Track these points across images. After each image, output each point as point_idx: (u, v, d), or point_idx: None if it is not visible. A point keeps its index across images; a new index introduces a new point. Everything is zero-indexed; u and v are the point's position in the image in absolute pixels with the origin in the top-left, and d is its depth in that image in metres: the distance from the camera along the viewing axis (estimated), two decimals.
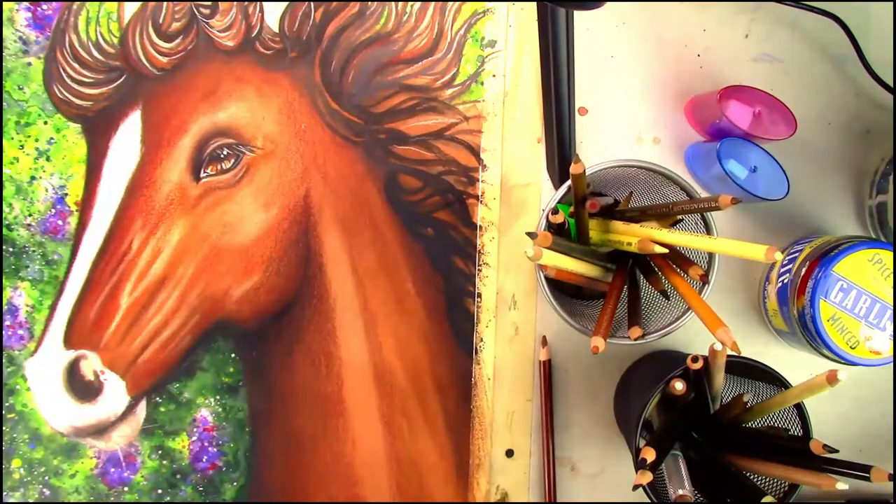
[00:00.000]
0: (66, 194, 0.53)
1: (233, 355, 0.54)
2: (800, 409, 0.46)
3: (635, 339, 0.46)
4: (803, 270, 0.50)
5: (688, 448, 0.48)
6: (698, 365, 0.43)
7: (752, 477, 0.47)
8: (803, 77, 0.58)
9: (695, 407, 0.46)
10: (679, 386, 0.43)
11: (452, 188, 0.56)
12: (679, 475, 0.45)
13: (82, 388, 0.52)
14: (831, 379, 0.39)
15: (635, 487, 0.41)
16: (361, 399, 0.54)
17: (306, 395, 0.54)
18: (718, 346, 0.41)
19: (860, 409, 0.57)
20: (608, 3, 0.37)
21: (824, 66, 0.58)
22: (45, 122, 0.54)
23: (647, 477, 0.40)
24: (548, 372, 0.55)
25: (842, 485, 0.39)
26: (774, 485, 0.47)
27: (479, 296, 0.56)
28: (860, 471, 0.39)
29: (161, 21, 0.55)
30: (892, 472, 0.38)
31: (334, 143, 0.55)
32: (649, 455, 0.41)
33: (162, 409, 0.53)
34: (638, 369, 0.54)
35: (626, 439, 0.52)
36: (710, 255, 0.48)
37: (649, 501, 0.45)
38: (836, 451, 0.42)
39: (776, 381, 0.47)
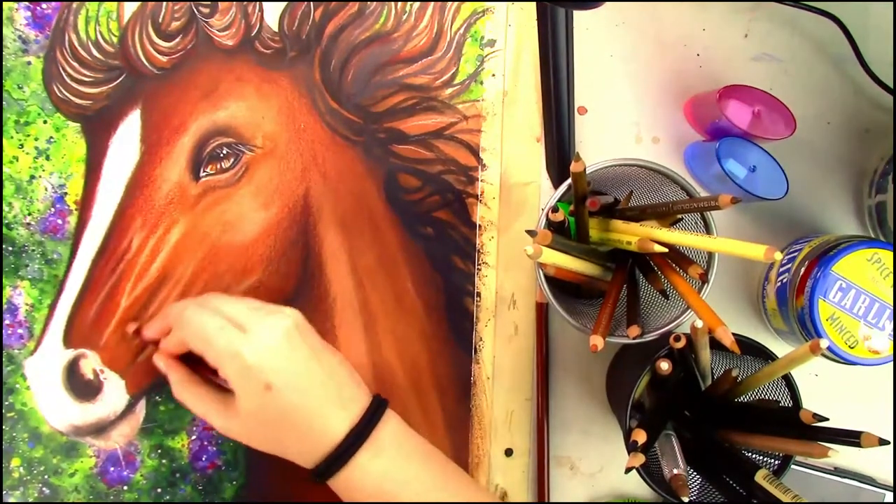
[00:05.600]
0: (66, 193, 0.53)
1: None
2: (788, 382, 0.46)
3: (634, 338, 0.46)
4: (802, 270, 0.50)
5: (681, 427, 0.48)
6: (681, 344, 0.43)
7: (746, 452, 0.48)
8: (802, 77, 0.58)
9: (685, 385, 0.47)
10: (665, 366, 0.44)
11: (452, 187, 0.56)
12: (673, 455, 0.45)
13: (82, 386, 0.52)
14: (814, 348, 0.39)
15: (627, 470, 0.41)
16: None
17: None
18: (699, 324, 0.42)
19: (860, 409, 0.57)
20: (608, 3, 0.37)
21: (824, 66, 0.58)
22: (45, 122, 0.54)
23: (639, 459, 0.41)
24: (543, 314, 0.56)
25: (834, 452, 0.39)
26: (768, 460, 0.48)
27: (479, 295, 0.56)
28: (851, 437, 0.39)
29: (160, 20, 0.55)
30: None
31: (334, 143, 0.55)
32: (640, 437, 0.41)
33: (161, 408, 0.53)
34: (626, 352, 0.54)
35: (619, 422, 0.52)
36: (710, 255, 0.48)
37: (648, 486, 0.45)
38: (826, 419, 0.42)
39: (762, 354, 0.47)
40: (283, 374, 0.44)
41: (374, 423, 0.46)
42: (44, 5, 0.54)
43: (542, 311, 0.56)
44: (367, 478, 0.45)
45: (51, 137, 0.54)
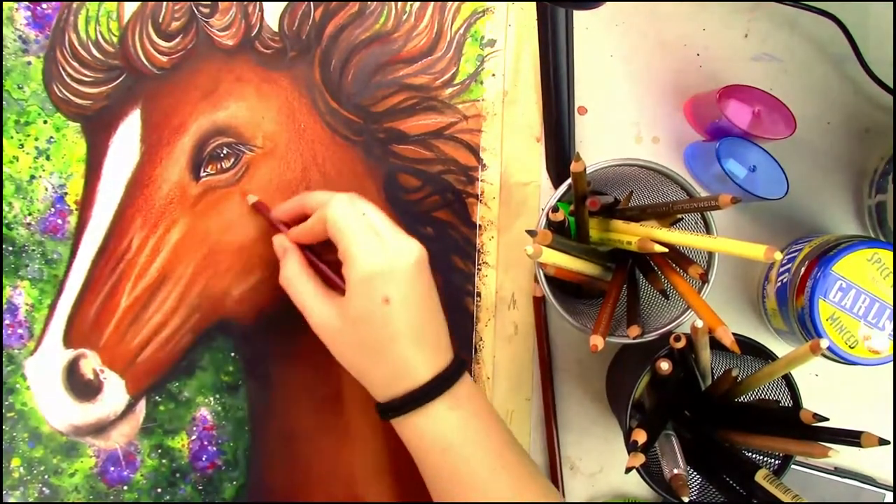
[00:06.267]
0: (66, 193, 0.53)
1: (232, 354, 0.54)
2: (789, 382, 0.46)
3: (634, 338, 0.46)
4: (802, 270, 0.50)
5: (681, 427, 0.48)
6: (681, 344, 0.43)
7: (746, 452, 0.48)
8: (803, 76, 0.58)
9: (685, 385, 0.47)
10: (665, 366, 0.44)
11: (452, 187, 0.56)
12: (673, 454, 0.45)
13: (82, 386, 0.52)
14: (815, 348, 0.39)
15: (628, 470, 0.41)
16: (361, 398, 0.54)
17: (306, 394, 0.54)
18: (699, 324, 0.42)
19: (860, 409, 0.57)
20: (608, 3, 0.37)
21: (824, 66, 0.58)
22: (45, 121, 0.54)
23: (640, 459, 0.41)
24: (541, 309, 0.56)
25: (834, 452, 0.39)
26: (768, 460, 0.48)
27: (479, 295, 0.56)
28: (851, 437, 0.39)
29: (161, 20, 0.55)
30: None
31: (334, 143, 0.55)
32: (640, 437, 0.41)
33: (161, 408, 0.53)
34: (626, 352, 0.54)
35: (619, 422, 0.52)
36: (710, 255, 0.48)
37: (648, 486, 0.45)
38: (827, 419, 0.42)
39: (763, 354, 0.47)
40: (403, 293, 0.45)
41: (456, 377, 0.46)
42: (44, 5, 0.54)
43: (539, 306, 0.56)
44: (438, 427, 0.45)
45: (51, 137, 0.54)
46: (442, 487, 0.46)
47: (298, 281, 0.48)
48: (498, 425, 0.47)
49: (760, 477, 0.43)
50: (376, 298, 0.44)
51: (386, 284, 0.44)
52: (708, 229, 0.47)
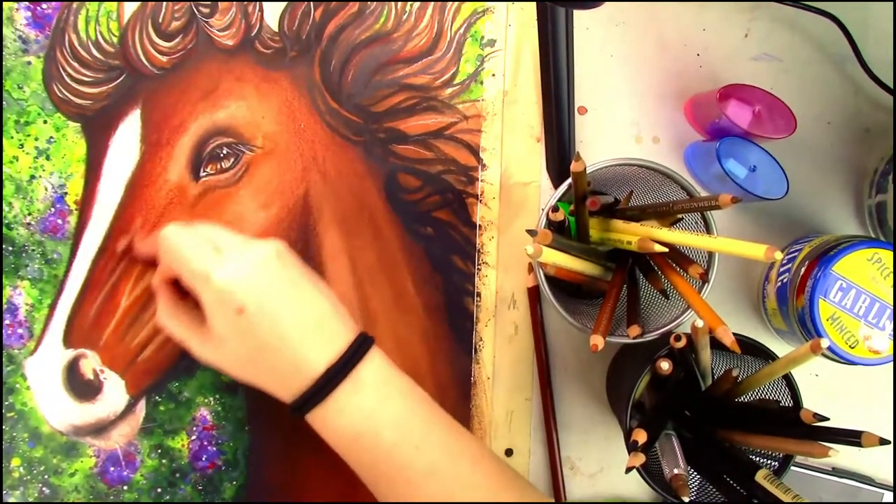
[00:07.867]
0: (66, 193, 0.53)
1: None
2: (789, 382, 0.46)
3: (634, 338, 0.46)
4: (802, 270, 0.50)
5: (681, 426, 0.48)
6: (681, 344, 0.43)
7: (746, 451, 0.48)
8: (803, 76, 0.58)
9: (685, 385, 0.47)
10: (665, 366, 0.44)
11: (452, 187, 0.56)
12: (673, 454, 0.45)
13: (82, 386, 0.52)
14: (815, 348, 0.39)
15: (628, 470, 0.41)
16: None
17: None
18: (700, 323, 0.42)
19: (860, 409, 0.57)
20: (608, 3, 0.37)
21: (824, 66, 0.58)
22: (45, 121, 0.54)
23: (640, 459, 0.41)
24: (536, 300, 0.56)
25: (834, 452, 0.39)
26: (769, 460, 0.48)
27: (479, 295, 0.56)
28: (851, 437, 0.39)
29: (161, 20, 0.55)
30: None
31: (334, 143, 0.55)
32: (640, 437, 0.41)
33: (161, 408, 0.53)
34: (626, 352, 0.54)
35: (619, 422, 0.52)
36: (710, 254, 0.48)
37: (648, 486, 0.45)
38: (827, 419, 0.42)
39: (763, 354, 0.47)
40: (255, 298, 0.43)
41: (355, 360, 0.44)
42: (44, 5, 0.54)
43: (534, 298, 0.56)
44: (343, 417, 0.43)
45: (51, 137, 0.54)
46: (369, 476, 0.44)
47: (169, 323, 0.47)
48: (414, 399, 0.45)
49: (761, 477, 0.43)
50: (230, 312, 0.43)
51: (235, 295, 0.42)
52: (708, 229, 0.47)
